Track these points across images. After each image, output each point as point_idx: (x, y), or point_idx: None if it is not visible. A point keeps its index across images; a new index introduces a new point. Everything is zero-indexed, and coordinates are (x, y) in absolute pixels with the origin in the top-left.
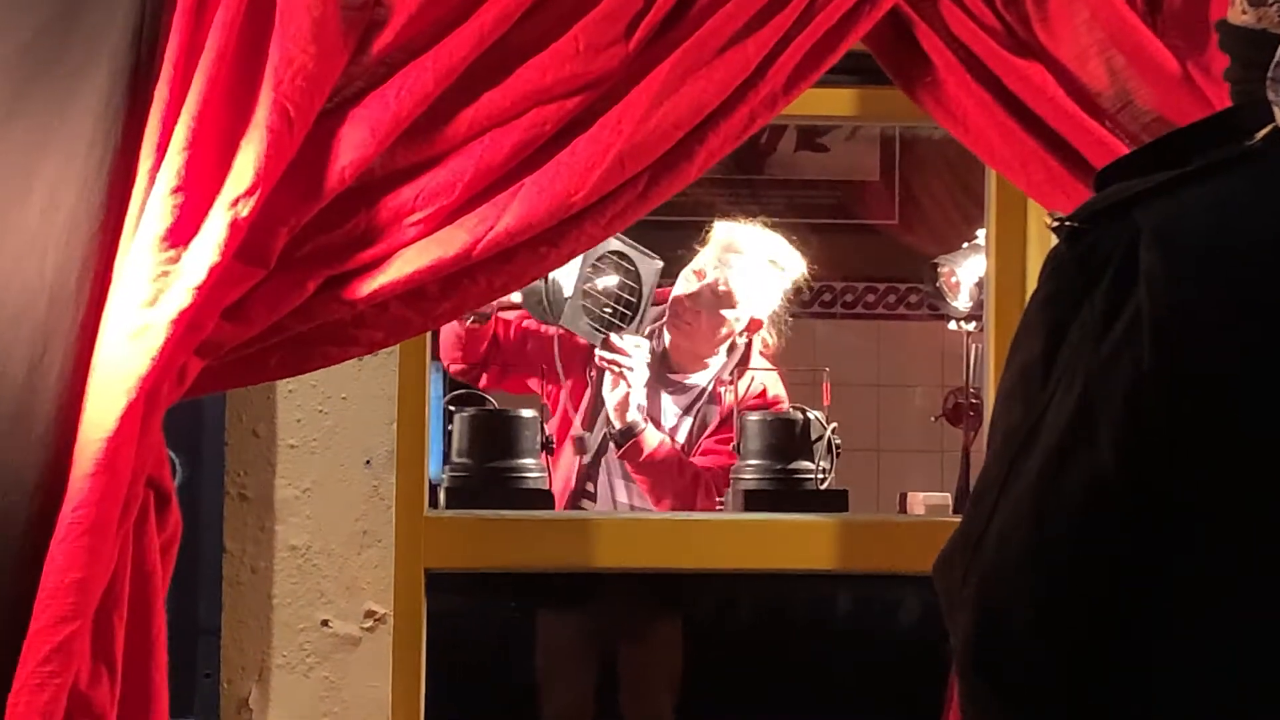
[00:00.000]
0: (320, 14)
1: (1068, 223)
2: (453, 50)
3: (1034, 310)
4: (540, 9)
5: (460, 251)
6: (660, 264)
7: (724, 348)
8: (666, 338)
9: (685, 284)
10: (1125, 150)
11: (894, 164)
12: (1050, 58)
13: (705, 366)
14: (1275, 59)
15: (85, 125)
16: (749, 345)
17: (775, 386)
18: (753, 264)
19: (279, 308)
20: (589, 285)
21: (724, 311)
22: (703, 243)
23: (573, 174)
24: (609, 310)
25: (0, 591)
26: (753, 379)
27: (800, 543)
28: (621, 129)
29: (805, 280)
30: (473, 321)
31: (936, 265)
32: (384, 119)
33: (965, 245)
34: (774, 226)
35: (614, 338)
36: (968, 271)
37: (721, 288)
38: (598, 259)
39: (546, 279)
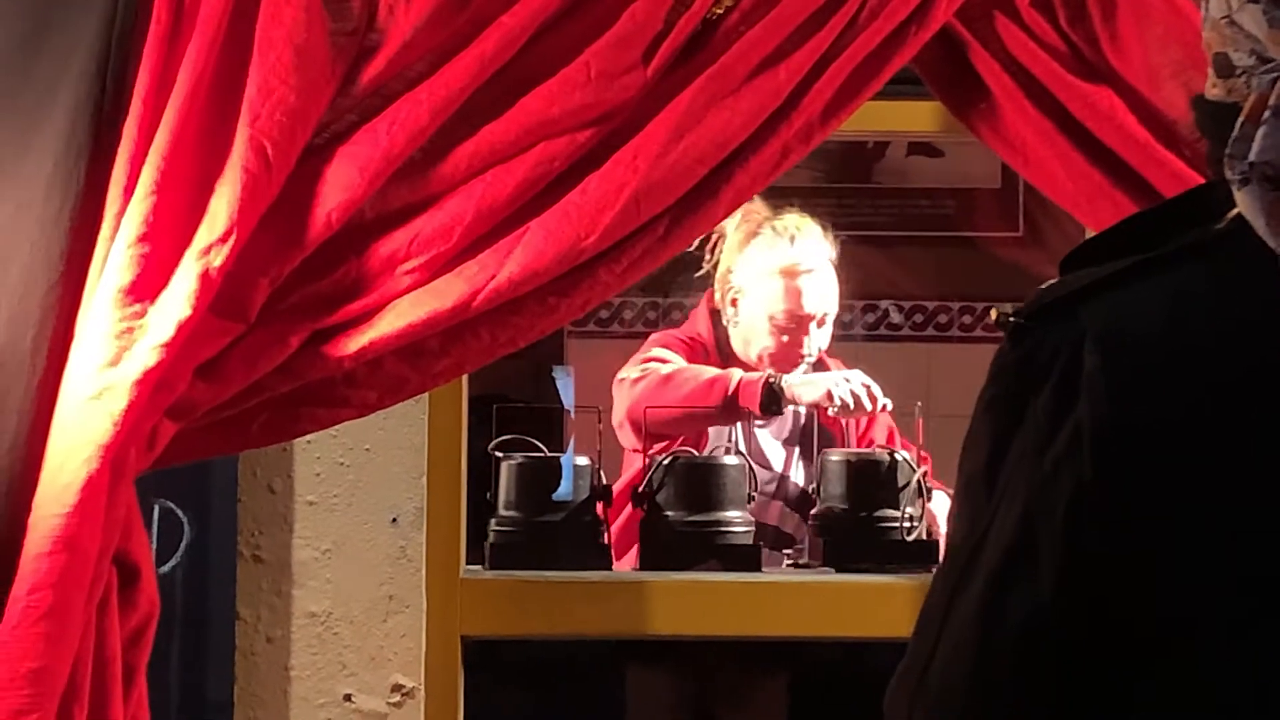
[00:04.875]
0: (304, 40)
1: (1012, 318)
2: (450, 80)
3: (978, 416)
4: (549, 33)
5: (459, 302)
6: None
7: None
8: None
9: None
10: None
11: None
12: (1120, 81)
13: None
14: (1233, 134)
15: (43, 169)
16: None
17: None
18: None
19: (259, 365)
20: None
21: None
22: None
23: (583, 216)
24: None
25: None
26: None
27: (882, 605)
28: (638, 165)
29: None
30: None
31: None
32: (374, 156)
33: None
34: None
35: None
36: None
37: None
38: None
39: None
